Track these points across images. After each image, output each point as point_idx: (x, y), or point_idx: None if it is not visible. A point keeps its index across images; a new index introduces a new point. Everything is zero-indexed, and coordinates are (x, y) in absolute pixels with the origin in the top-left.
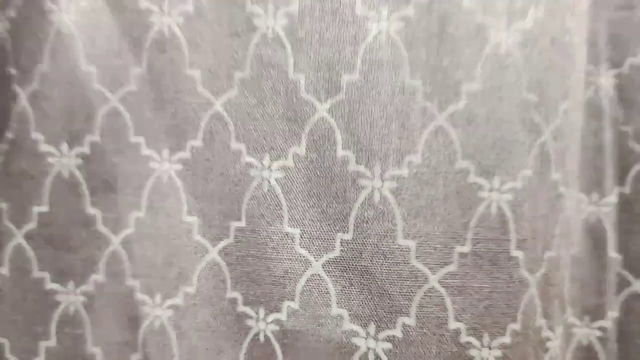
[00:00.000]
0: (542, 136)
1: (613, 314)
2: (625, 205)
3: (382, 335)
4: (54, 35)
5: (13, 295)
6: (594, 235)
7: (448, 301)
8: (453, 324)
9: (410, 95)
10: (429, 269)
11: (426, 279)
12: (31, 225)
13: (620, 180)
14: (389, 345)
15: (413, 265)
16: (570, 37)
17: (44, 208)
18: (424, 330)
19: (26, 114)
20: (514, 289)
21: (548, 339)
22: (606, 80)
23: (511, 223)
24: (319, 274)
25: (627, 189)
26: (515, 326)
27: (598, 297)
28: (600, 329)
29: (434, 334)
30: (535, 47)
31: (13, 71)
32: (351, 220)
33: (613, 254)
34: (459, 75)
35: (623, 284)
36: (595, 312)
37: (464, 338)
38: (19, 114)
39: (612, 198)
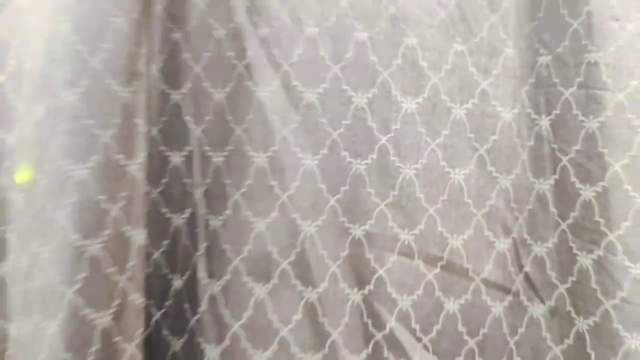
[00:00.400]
0: (479, 151)
1: (553, 240)
2: (557, 184)
3: (410, 231)
4: (256, 102)
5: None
6: (541, 200)
7: (435, 222)
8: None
9: (420, 135)
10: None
11: (427, 210)
12: (243, 189)
13: (553, 171)
14: (412, 237)
15: (423, 206)
16: (494, 108)
17: (250, 181)
18: (422, 242)
19: (241, 138)
20: (461, 218)
21: (493, 242)
22: (545, 122)
23: (465, 189)
24: (382, 209)
25: (557, 176)
26: (462, 238)
27: (545, 230)
28: (546, 247)
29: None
30: (472, 115)
31: (230, 118)
32: (397, 185)
33: (552, 209)
34: (441, 127)
35: (557, 224)
36: (543, 238)
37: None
38: (236, 136)
39: (551, 181)
